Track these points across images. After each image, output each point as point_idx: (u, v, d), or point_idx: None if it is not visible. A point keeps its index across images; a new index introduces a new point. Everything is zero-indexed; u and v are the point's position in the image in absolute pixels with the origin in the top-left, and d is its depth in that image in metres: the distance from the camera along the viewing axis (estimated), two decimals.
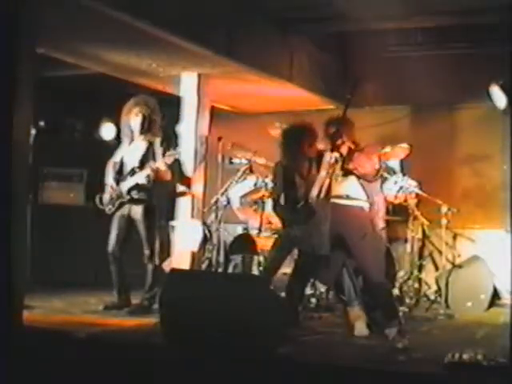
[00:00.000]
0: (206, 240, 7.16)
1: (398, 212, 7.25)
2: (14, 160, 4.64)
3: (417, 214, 6.94)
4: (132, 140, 6.32)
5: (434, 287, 7.13)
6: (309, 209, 5.21)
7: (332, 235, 5.29)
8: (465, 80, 7.61)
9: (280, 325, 4.58)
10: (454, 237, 7.58)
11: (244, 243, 6.84)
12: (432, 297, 7.06)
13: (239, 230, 7.46)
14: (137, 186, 6.16)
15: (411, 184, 6.81)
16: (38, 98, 4.83)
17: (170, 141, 6.35)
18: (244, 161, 7.20)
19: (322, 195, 5.22)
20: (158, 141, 6.18)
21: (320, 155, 5.33)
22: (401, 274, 7.03)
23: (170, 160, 6.05)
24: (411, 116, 8.37)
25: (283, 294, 5.60)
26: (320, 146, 5.50)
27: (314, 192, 5.21)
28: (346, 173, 5.43)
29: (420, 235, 7.30)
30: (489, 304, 6.77)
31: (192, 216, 7.16)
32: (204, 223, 7.23)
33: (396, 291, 6.75)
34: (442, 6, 6.53)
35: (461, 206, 6.91)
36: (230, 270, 6.67)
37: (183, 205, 7.17)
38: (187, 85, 7.35)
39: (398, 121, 8.29)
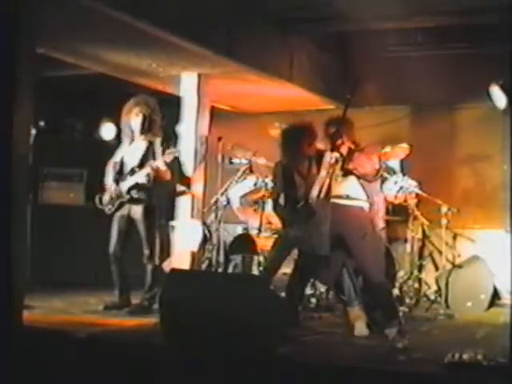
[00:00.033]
0: (205, 240, 7.16)
1: (397, 212, 7.25)
2: (14, 160, 4.63)
3: (417, 214, 6.94)
4: (132, 140, 6.32)
5: (434, 287, 7.12)
6: (309, 209, 5.21)
7: (332, 235, 5.29)
8: (465, 80, 7.61)
9: (280, 325, 4.58)
10: (454, 237, 7.58)
11: (244, 243, 6.84)
12: (432, 297, 7.06)
13: (239, 230, 7.46)
14: (137, 186, 6.16)
15: (411, 184, 6.81)
16: (38, 98, 4.82)
17: (171, 141, 6.35)
18: (244, 161, 7.20)
19: (322, 195, 5.22)
20: (158, 140, 6.18)
21: (320, 155, 5.32)
22: (401, 274, 7.03)
23: (169, 158, 6.05)
24: (411, 116, 8.37)
25: (283, 294, 5.60)
26: (320, 145, 5.50)
27: (314, 192, 5.21)
28: (346, 173, 5.43)
29: (420, 235, 7.30)
30: (489, 304, 6.76)
31: (192, 216, 7.16)
32: (204, 223, 7.24)
33: (396, 291, 6.74)
34: (442, 5, 6.53)
35: (461, 206, 6.90)
36: (230, 269, 6.67)
37: (183, 205, 7.18)
38: (187, 85, 7.35)
39: (398, 121, 8.29)
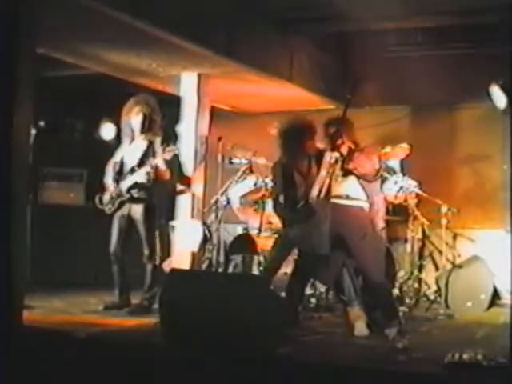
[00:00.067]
0: (205, 240, 7.16)
1: (398, 212, 7.25)
2: (14, 160, 4.64)
3: (417, 214, 6.94)
4: (132, 139, 6.32)
5: (434, 287, 7.12)
6: (309, 209, 5.21)
7: (332, 235, 5.29)
8: (465, 80, 7.61)
9: (280, 325, 4.58)
10: (454, 237, 7.58)
11: (244, 243, 6.84)
12: (432, 297, 7.05)
13: (239, 230, 7.46)
14: (137, 185, 6.16)
15: (411, 184, 6.81)
16: (38, 98, 4.82)
17: (171, 140, 6.35)
18: (244, 161, 7.20)
19: (322, 195, 5.21)
20: (158, 140, 6.18)
21: (320, 154, 5.32)
22: (401, 274, 7.02)
23: (169, 155, 6.05)
24: (411, 116, 8.37)
25: (283, 294, 5.60)
26: (320, 144, 5.49)
27: (314, 192, 5.20)
28: (346, 173, 5.43)
29: (420, 235, 7.30)
30: (489, 304, 6.76)
31: (192, 216, 7.16)
32: (204, 223, 7.24)
33: (396, 291, 6.74)
34: (442, 5, 6.53)
35: (461, 206, 6.90)
36: (230, 269, 6.67)
37: (183, 205, 7.17)
38: (187, 85, 7.35)
39: (397, 121, 8.29)
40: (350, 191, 5.50)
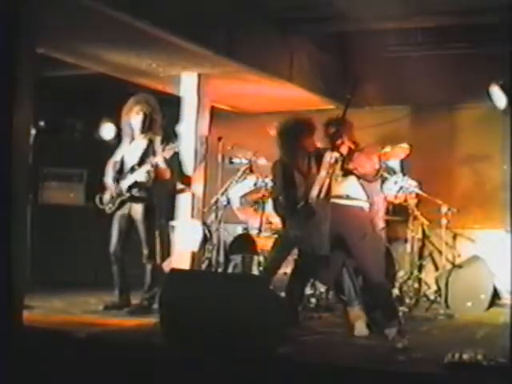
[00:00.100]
0: (205, 240, 7.16)
1: (398, 212, 7.25)
2: (14, 160, 4.64)
3: (417, 214, 6.94)
4: (133, 139, 6.32)
5: (434, 287, 7.12)
6: (309, 209, 5.20)
7: (332, 235, 5.29)
8: (465, 80, 7.61)
9: (280, 325, 4.58)
10: (454, 237, 7.59)
11: (244, 243, 6.84)
12: (432, 297, 7.05)
13: (239, 230, 7.46)
14: (137, 184, 6.16)
15: (411, 184, 6.81)
16: (38, 98, 4.82)
17: (171, 139, 6.34)
18: (244, 161, 7.20)
19: (322, 195, 5.21)
20: (158, 139, 6.18)
21: (319, 154, 5.31)
22: (401, 274, 7.03)
23: (169, 154, 6.05)
24: (411, 116, 8.37)
25: (283, 294, 5.60)
26: (319, 143, 5.49)
27: (314, 192, 5.20)
28: (346, 173, 5.42)
29: (420, 235, 7.30)
30: (489, 304, 6.76)
31: (192, 216, 7.16)
32: (204, 223, 7.23)
33: (396, 291, 6.74)
34: (442, 5, 6.53)
35: (461, 206, 6.90)
36: (230, 270, 6.67)
37: (183, 205, 7.17)
38: (187, 85, 7.35)
39: (397, 121, 8.29)
40: (350, 191, 5.50)
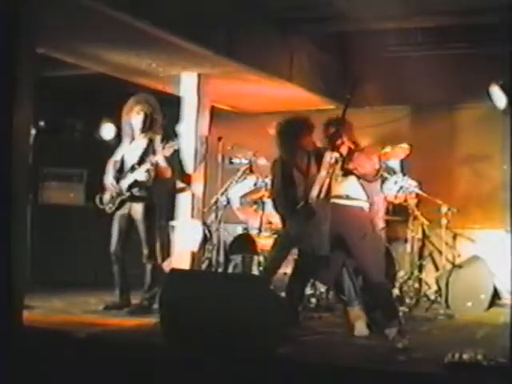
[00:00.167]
0: (205, 240, 7.16)
1: (398, 212, 7.25)
2: (14, 160, 4.64)
3: (417, 214, 6.94)
4: (133, 139, 6.32)
5: (434, 287, 7.12)
6: (309, 209, 5.20)
7: (332, 235, 5.29)
8: (465, 80, 7.61)
9: (280, 325, 4.58)
10: (454, 237, 7.58)
11: (244, 243, 6.84)
12: (432, 297, 7.05)
13: (239, 230, 7.47)
14: (137, 184, 6.16)
15: (411, 184, 6.82)
16: (38, 98, 4.82)
17: (171, 138, 6.34)
18: (244, 161, 7.20)
19: (322, 195, 5.21)
20: (158, 138, 6.18)
21: (319, 153, 5.31)
22: (401, 274, 7.02)
23: (169, 152, 6.05)
24: (411, 116, 8.37)
25: (283, 294, 5.60)
26: (318, 143, 5.49)
27: (314, 192, 5.20)
28: (346, 173, 5.42)
29: (420, 235, 7.30)
30: (489, 304, 6.76)
31: (192, 216, 7.16)
32: (204, 223, 7.24)
33: (396, 291, 6.74)
34: (442, 5, 6.53)
35: (461, 206, 6.91)
36: (230, 270, 6.67)
37: (183, 205, 7.17)
38: (187, 85, 7.35)
39: (397, 121, 8.29)
40: (350, 191, 5.50)
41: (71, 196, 8.41)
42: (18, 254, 4.73)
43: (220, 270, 6.88)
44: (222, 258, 7.00)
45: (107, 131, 8.26)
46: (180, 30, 5.94)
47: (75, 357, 4.29)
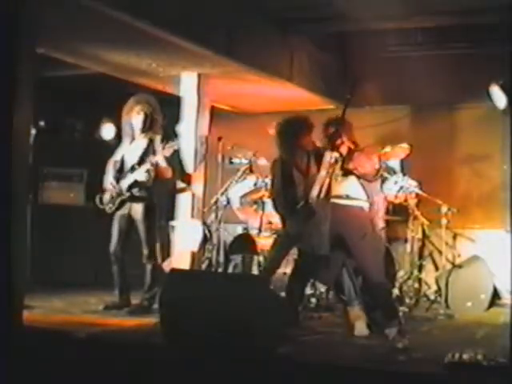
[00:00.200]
0: (205, 240, 7.16)
1: (398, 212, 7.25)
2: (14, 160, 4.64)
3: (417, 214, 6.94)
4: (133, 139, 6.32)
5: (434, 287, 7.12)
6: (309, 209, 5.20)
7: (332, 235, 5.29)
8: (465, 80, 7.61)
9: (280, 325, 4.58)
10: (454, 237, 7.58)
11: (244, 243, 6.84)
12: (432, 297, 7.05)
13: (239, 229, 7.47)
14: (137, 184, 6.16)
15: (411, 184, 6.82)
16: (38, 98, 4.82)
17: (171, 138, 6.34)
18: (244, 161, 7.20)
19: (322, 195, 5.21)
20: (158, 138, 6.18)
21: (319, 153, 5.32)
22: (401, 273, 7.02)
23: (169, 152, 6.05)
24: (411, 116, 8.37)
25: (283, 294, 5.60)
26: (318, 143, 5.50)
27: (314, 192, 5.20)
28: (346, 173, 5.42)
29: (420, 235, 7.30)
30: (489, 304, 6.76)
31: (192, 216, 7.16)
32: (204, 223, 7.23)
33: (396, 291, 6.74)
34: (442, 5, 6.53)
35: (461, 206, 6.90)
36: (230, 270, 6.67)
37: (183, 205, 7.17)
38: (187, 85, 7.35)
39: (398, 121, 8.29)
40: (350, 191, 5.50)
41: (71, 196, 8.41)
42: (18, 254, 4.73)
43: (220, 269, 6.87)
44: (222, 258, 7.00)
45: (107, 131, 8.26)
46: (180, 29, 5.94)
47: (75, 357, 4.29)
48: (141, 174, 6.12)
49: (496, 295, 7.00)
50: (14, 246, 4.64)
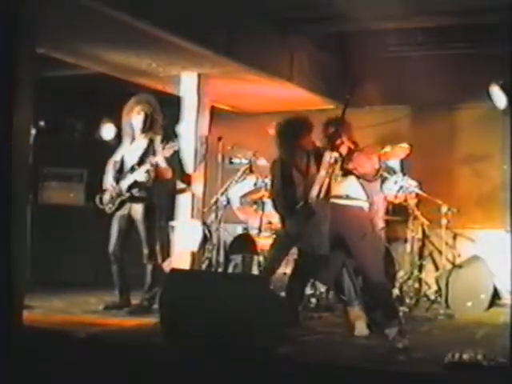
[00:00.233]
0: (205, 240, 7.17)
1: (398, 212, 7.25)
2: (14, 160, 4.64)
3: (417, 214, 6.94)
4: (133, 139, 6.31)
5: (434, 287, 7.12)
6: (308, 209, 5.20)
7: (332, 235, 5.29)
8: (465, 80, 7.61)
9: (280, 325, 4.58)
10: (454, 237, 7.58)
11: (244, 243, 6.84)
12: (432, 297, 7.06)
13: (239, 229, 7.47)
14: (137, 184, 6.16)
15: (411, 184, 6.82)
16: (38, 98, 4.82)
17: (171, 139, 6.34)
18: (244, 161, 7.20)
19: (322, 195, 5.21)
20: (158, 138, 6.18)
21: (318, 153, 5.32)
22: (401, 273, 7.03)
23: (169, 152, 6.05)
24: (411, 116, 8.37)
25: (283, 294, 5.59)
26: (318, 142, 5.50)
27: (314, 192, 5.20)
28: (346, 173, 5.42)
29: (420, 235, 7.30)
30: (489, 304, 6.77)
31: (192, 216, 7.16)
32: (204, 223, 7.24)
33: (396, 291, 6.74)
34: (442, 5, 6.53)
35: (461, 206, 6.90)
36: (230, 270, 6.67)
37: (183, 205, 7.17)
38: (187, 85, 7.35)
39: (398, 121, 8.29)
40: (350, 191, 5.50)
41: (71, 196, 8.41)
42: (18, 254, 4.73)
43: (220, 269, 6.87)
44: (222, 258, 7.00)
45: (107, 131, 8.25)
46: (180, 29, 5.94)
47: (75, 357, 4.29)
48: (141, 175, 6.12)
49: (496, 295, 7.00)
50: (14, 246, 4.64)
